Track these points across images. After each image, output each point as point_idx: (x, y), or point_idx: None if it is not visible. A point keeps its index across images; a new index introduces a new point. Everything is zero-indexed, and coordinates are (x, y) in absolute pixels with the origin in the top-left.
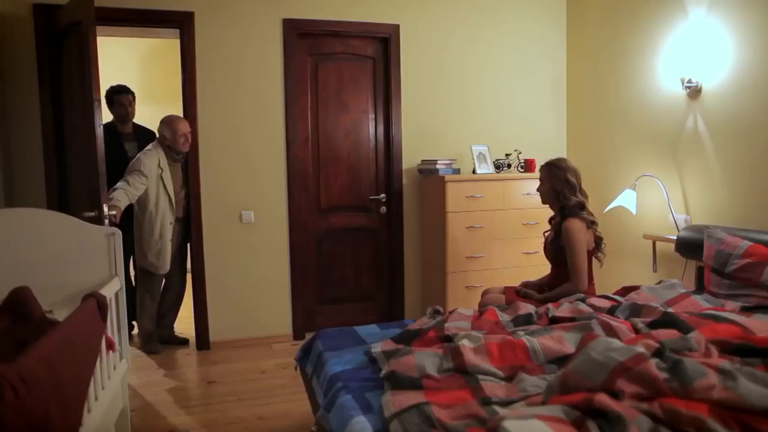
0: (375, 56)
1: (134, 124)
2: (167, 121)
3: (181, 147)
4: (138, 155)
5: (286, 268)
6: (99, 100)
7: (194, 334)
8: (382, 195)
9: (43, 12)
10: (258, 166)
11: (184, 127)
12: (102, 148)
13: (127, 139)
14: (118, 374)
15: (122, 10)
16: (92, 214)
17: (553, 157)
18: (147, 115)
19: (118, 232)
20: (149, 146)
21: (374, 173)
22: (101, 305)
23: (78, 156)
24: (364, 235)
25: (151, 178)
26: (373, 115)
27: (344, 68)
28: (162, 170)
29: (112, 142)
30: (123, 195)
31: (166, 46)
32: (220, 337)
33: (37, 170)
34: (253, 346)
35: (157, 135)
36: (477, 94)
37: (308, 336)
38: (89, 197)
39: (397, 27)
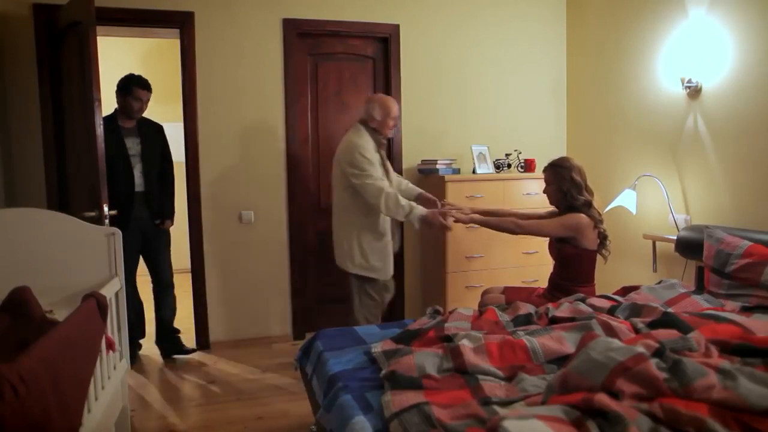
0: (375, 56)
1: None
2: (379, 101)
3: (388, 131)
4: (352, 141)
5: (286, 268)
6: (99, 100)
7: (194, 334)
8: None
9: (43, 12)
10: (258, 166)
11: (396, 110)
12: (102, 147)
13: (128, 134)
14: (118, 374)
15: (122, 10)
16: (92, 214)
17: (554, 157)
18: (146, 115)
19: (118, 232)
20: (353, 131)
21: None
22: (101, 305)
23: (78, 156)
24: None
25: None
26: None
27: (344, 68)
28: (379, 157)
29: (111, 136)
30: (399, 198)
31: (166, 46)
32: (220, 337)
33: (37, 170)
34: (253, 346)
35: (363, 114)
36: (477, 94)
37: (308, 336)
38: (89, 197)
39: (397, 27)
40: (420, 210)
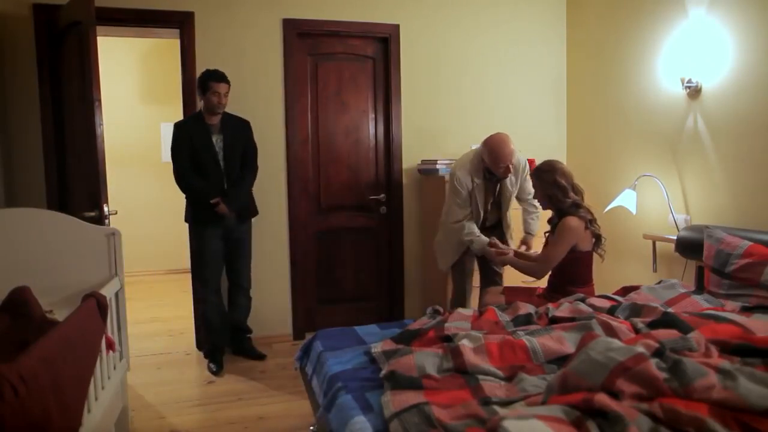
0: (375, 56)
1: (224, 114)
2: (490, 147)
3: (500, 173)
4: (458, 167)
5: (286, 268)
6: (99, 100)
7: (194, 334)
8: (382, 195)
9: (43, 12)
10: (258, 166)
11: (507, 157)
12: (102, 148)
13: (214, 130)
14: (118, 374)
15: (122, 10)
16: (92, 214)
17: (553, 157)
18: (147, 115)
19: (118, 232)
20: (468, 156)
21: (374, 173)
22: (101, 305)
23: (78, 156)
24: (364, 234)
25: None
26: (373, 115)
27: (344, 68)
28: (476, 184)
29: (200, 133)
30: (465, 228)
31: (166, 46)
32: None
33: (37, 170)
34: None
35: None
36: (477, 94)
37: (308, 336)
38: (89, 197)
39: (396, 27)
40: (479, 244)
